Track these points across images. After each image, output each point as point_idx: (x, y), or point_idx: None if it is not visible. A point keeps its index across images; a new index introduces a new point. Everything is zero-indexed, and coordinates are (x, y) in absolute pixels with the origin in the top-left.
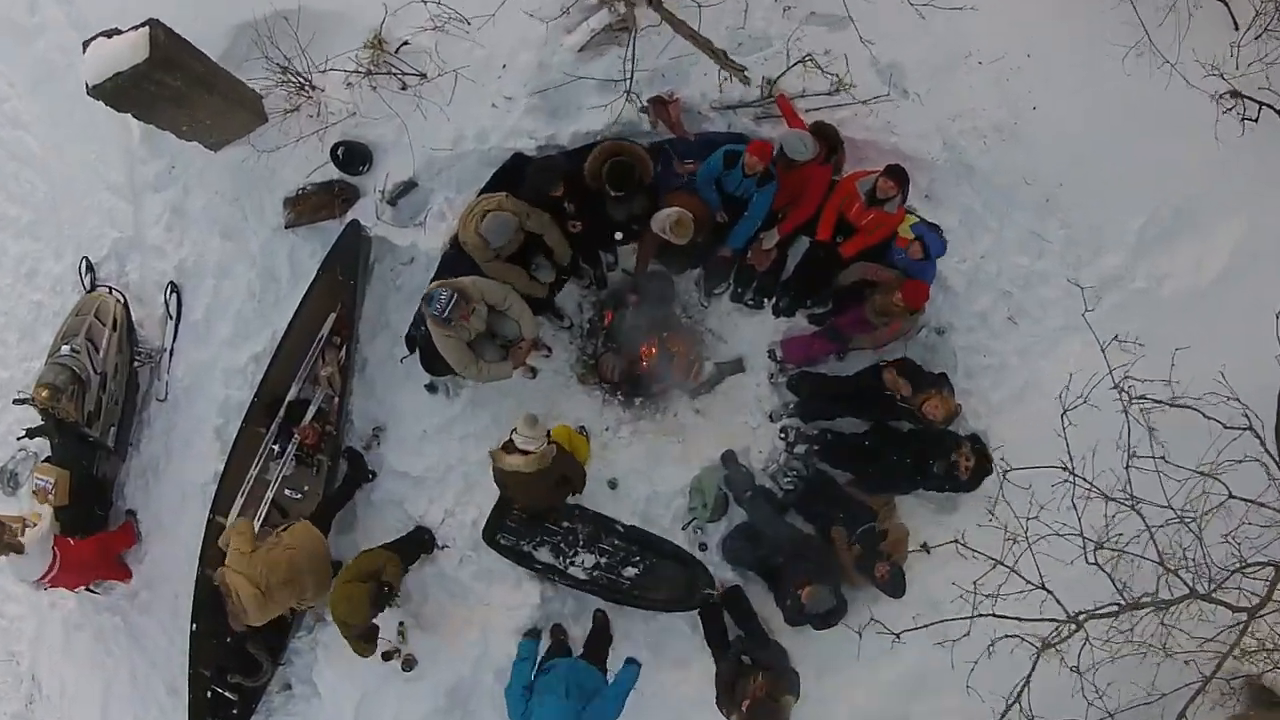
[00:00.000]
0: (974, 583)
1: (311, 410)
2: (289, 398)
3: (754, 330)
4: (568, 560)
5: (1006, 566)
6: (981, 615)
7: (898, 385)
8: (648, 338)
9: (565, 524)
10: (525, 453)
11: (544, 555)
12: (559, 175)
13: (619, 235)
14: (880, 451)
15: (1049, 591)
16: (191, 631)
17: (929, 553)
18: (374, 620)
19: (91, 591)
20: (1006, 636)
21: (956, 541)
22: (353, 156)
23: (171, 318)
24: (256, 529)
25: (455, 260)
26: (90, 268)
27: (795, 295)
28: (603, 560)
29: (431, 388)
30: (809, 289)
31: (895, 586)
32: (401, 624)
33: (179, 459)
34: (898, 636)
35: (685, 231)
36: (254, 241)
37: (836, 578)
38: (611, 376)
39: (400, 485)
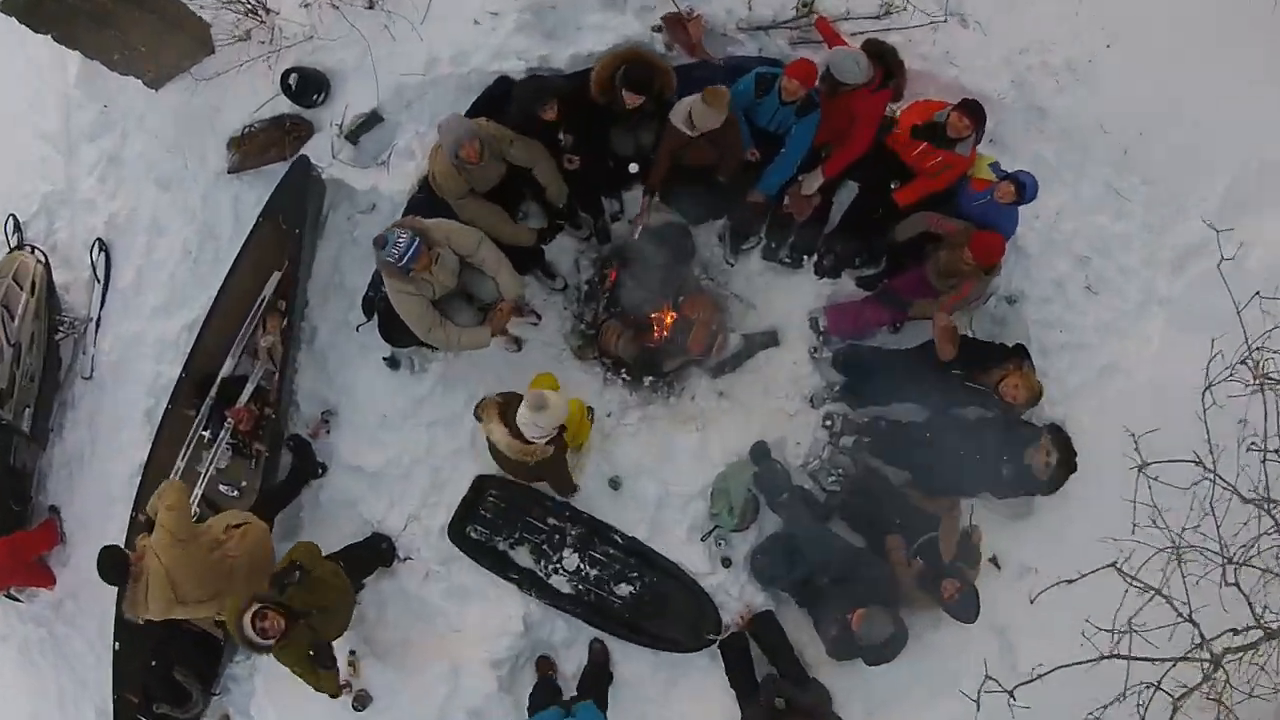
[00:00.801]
0: (1087, 619)
1: (248, 389)
2: (223, 374)
3: (791, 295)
4: (551, 566)
5: (1165, 597)
6: (1113, 657)
7: (944, 346)
8: (660, 303)
9: (551, 521)
10: (526, 441)
11: (523, 557)
12: (552, 92)
13: (633, 166)
14: (944, 444)
15: (1195, 624)
16: (115, 651)
17: (999, 568)
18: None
19: (13, 599)
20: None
21: (1115, 568)
22: (307, 85)
23: (99, 281)
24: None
25: (425, 206)
26: (18, 226)
27: (841, 252)
28: (593, 571)
29: (392, 362)
30: (858, 244)
31: (967, 608)
32: (353, 653)
33: (106, 447)
34: (1012, 695)
35: (718, 104)
36: (194, 191)
37: (895, 601)
38: (615, 350)
39: (354, 483)
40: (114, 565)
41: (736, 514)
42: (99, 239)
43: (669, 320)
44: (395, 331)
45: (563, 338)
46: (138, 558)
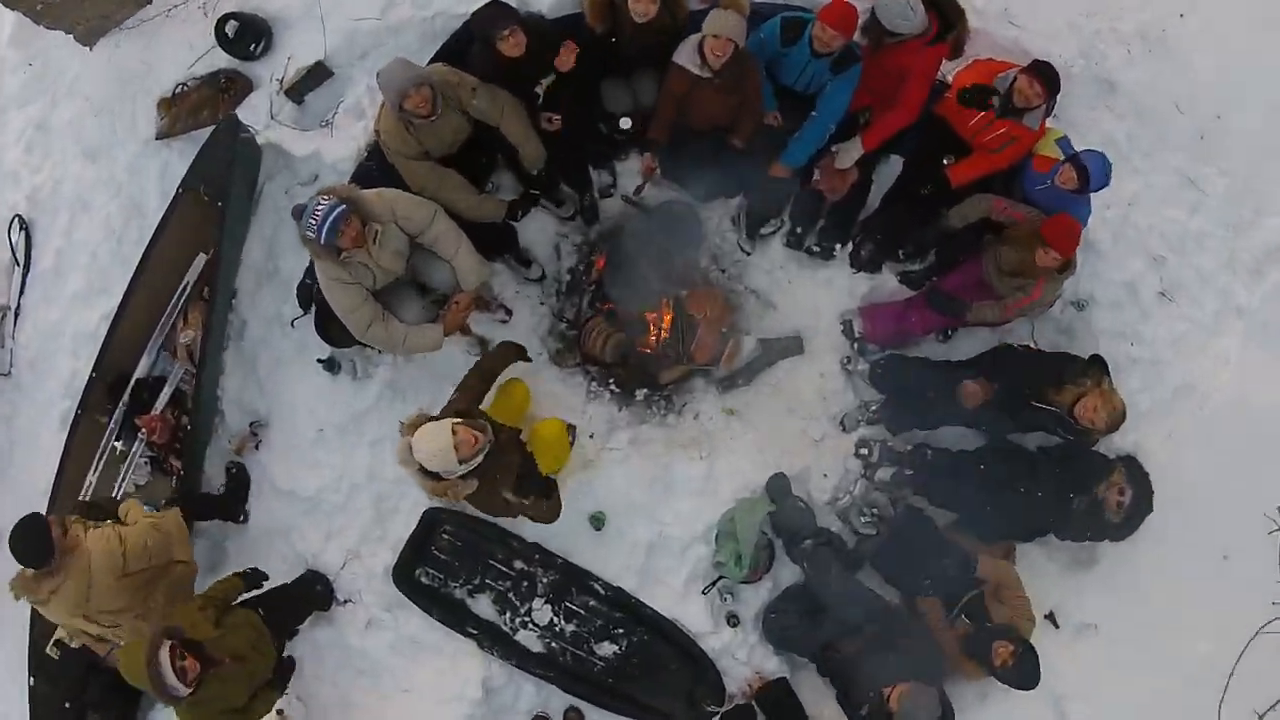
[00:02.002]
0: None
1: (165, 393)
2: (137, 374)
3: (819, 292)
4: (518, 619)
5: None
6: None
7: (978, 393)
8: (658, 298)
9: (519, 564)
10: (438, 476)
11: (484, 608)
12: (516, 19)
13: (625, 121)
14: (1000, 478)
15: None
16: (30, 688)
17: (1056, 626)
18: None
19: None
20: None
21: None
22: (245, 33)
23: (19, 264)
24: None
25: (377, 176)
26: None
27: (882, 241)
28: (569, 626)
29: (330, 365)
30: (903, 232)
31: (1025, 673)
32: (280, 712)
33: (24, 454)
34: None
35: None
36: (121, 161)
37: (940, 672)
38: (601, 355)
39: (286, 509)
40: (33, 542)
41: (746, 562)
42: (18, 216)
43: (668, 320)
44: (334, 328)
45: (538, 339)
46: (68, 546)
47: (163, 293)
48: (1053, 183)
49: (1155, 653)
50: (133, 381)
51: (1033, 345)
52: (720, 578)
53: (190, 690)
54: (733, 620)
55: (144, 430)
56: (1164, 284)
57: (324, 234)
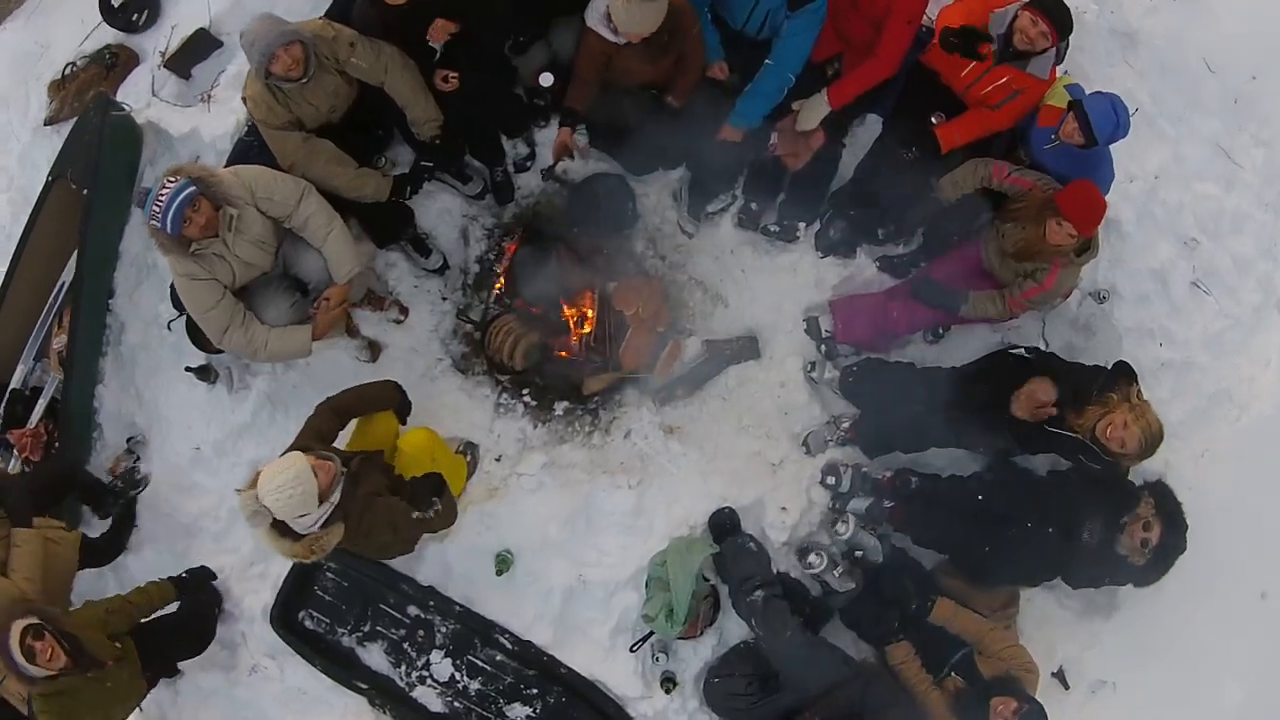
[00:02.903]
0: None
1: (41, 404)
2: (12, 384)
3: (780, 282)
4: (415, 673)
5: None
6: None
7: (1036, 404)
8: (579, 291)
9: (414, 611)
10: (294, 535)
11: (376, 659)
12: None
13: (546, 77)
14: (1003, 512)
15: None
16: None
17: (1067, 686)
18: None
19: None
20: None
21: None
22: (129, 2)
23: None
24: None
25: (257, 153)
26: None
27: (856, 218)
28: (473, 684)
29: (204, 373)
30: (881, 208)
31: None
32: None
33: None
34: None
35: None
36: (14, 150)
37: None
38: (510, 360)
39: (167, 535)
40: None
41: (680, 617)
42: None
43: (591, 317)
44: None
45: (439, 342)
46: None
47: (37, 294)
48: (1058, 137)
49: (1181, 711)
50: (8, 392)
51: (1044, 347)
52: (651, 633)
53: (42, 678)
54: (668, 684)
55: (16, 445)
56: (1197, 273)
57: (170, 221)
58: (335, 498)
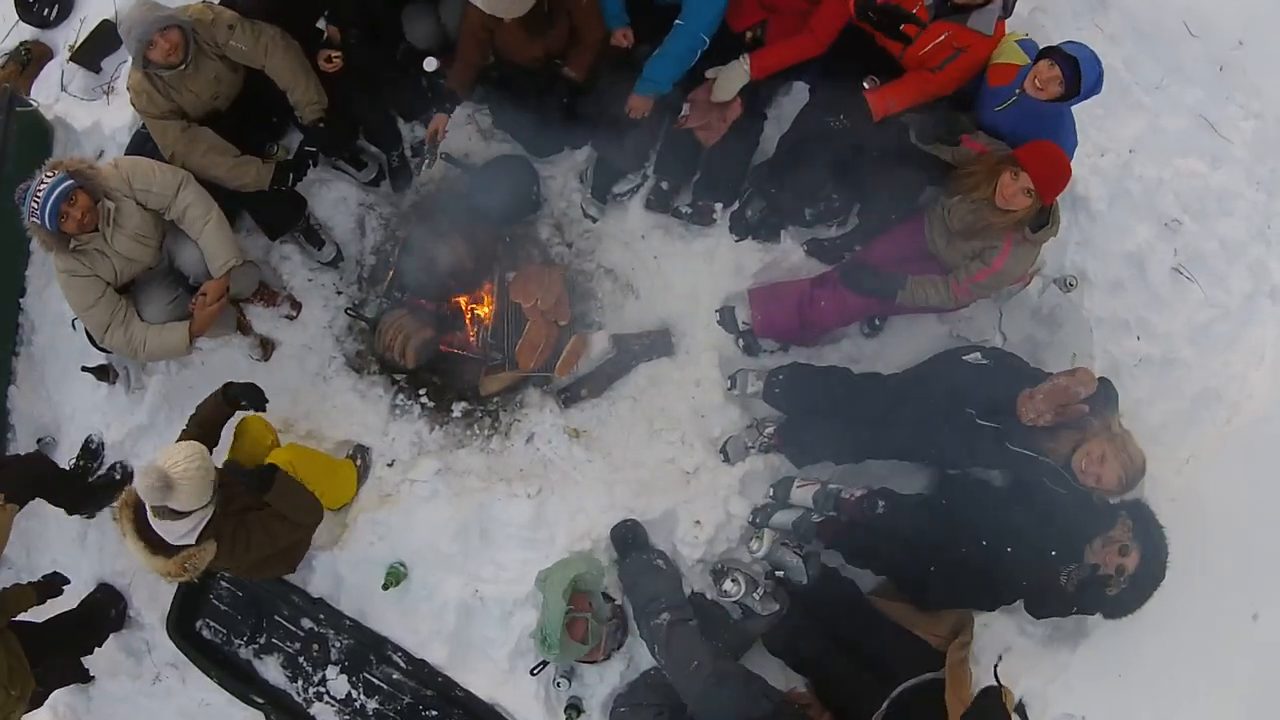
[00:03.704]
0: None
1: None
2: None
3: (696, 269)
4: (311, 689)
5: None
6: None
7: (1065, 400)
8: (476, 281)
9: (307, 624)
10: (167, 550)
11: (272, 672)
12: None
13: (430, 62)
14: (954, 528)
15: None
16: None
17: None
18: None
19: None
20: None
21: None
22: None
23: None
24: None
25: (150, 145)
26: None
27: (780, 197)
28: (370, 703)
29: (102, 372)
30: (809, 184)
31: None
32: None
33: None
34: None
35: None
36: None
37: None
38: (400, 358)
39: (67, 543)
40: None
41: (553, 641)
42: None
43: (487, 310)
44: None
45: (333, 338)
46: None
47: None
48: (1021, 93)
49: None
50: None
51: (1001, 341)
52: (547, 659)
53: None
54: (573, 711)
55: None
56: (1179, 257)
57: (47, 216)
58: (210, 508)
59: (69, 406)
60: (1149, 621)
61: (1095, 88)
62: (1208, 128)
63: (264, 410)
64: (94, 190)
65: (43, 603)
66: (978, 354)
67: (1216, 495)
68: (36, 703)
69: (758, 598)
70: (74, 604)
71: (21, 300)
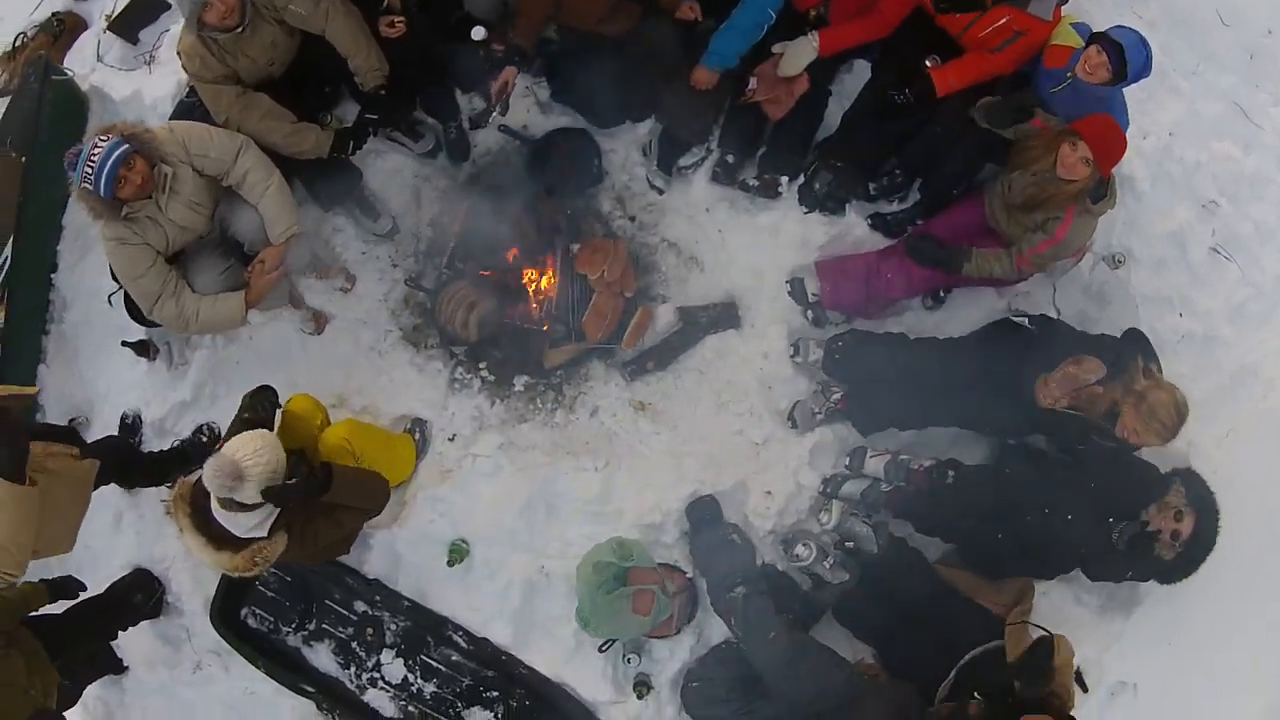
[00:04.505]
0: None
1: None
2: None
3: (761, 242)
4: (365, 675)
5: None
6: None
7: (1075, 386)
8: (539, 252)
9: (361, 607)
10: (236, 544)
11: (323, 659)
12: None
13: (478, 32)
14: (1018, 497)
15: None
16: None
17: (1085, 689)
18: None
19: None
20: None
21: None
22: None
23: None
24: None
25: (200, 113)
26: None
27: (846, 171)
28: (428, 686)
29: (141, 348)
30: (872, 160)
31: None
32: None
33: None
34: None
35: None
36: None
37: None
38: (463, 331)
39: (103, 525)
40: None
41: (596, 628)
42: None
43: (551, 283)
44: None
45: (388, 312)
46: None
47: None
48: (1073, 76)
49: (1208, 716)
50: None
51: (1055, 315)
52: (608, 640)
53: None
54: (642, 688)
55: None
56: (1217, 237)
57: (104, 184)
58: (259, 553)
59: (103, 384)
60: (1196, 591)
61: (1143, 71)
62: (1240, 114)
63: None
64: (151, 155)
65: (54, 602)
66: (1025, 318)
67: (1258, 469)
68: (69, 701)
69: (828, 566)
70: (103, 588)
71: (53, 276)
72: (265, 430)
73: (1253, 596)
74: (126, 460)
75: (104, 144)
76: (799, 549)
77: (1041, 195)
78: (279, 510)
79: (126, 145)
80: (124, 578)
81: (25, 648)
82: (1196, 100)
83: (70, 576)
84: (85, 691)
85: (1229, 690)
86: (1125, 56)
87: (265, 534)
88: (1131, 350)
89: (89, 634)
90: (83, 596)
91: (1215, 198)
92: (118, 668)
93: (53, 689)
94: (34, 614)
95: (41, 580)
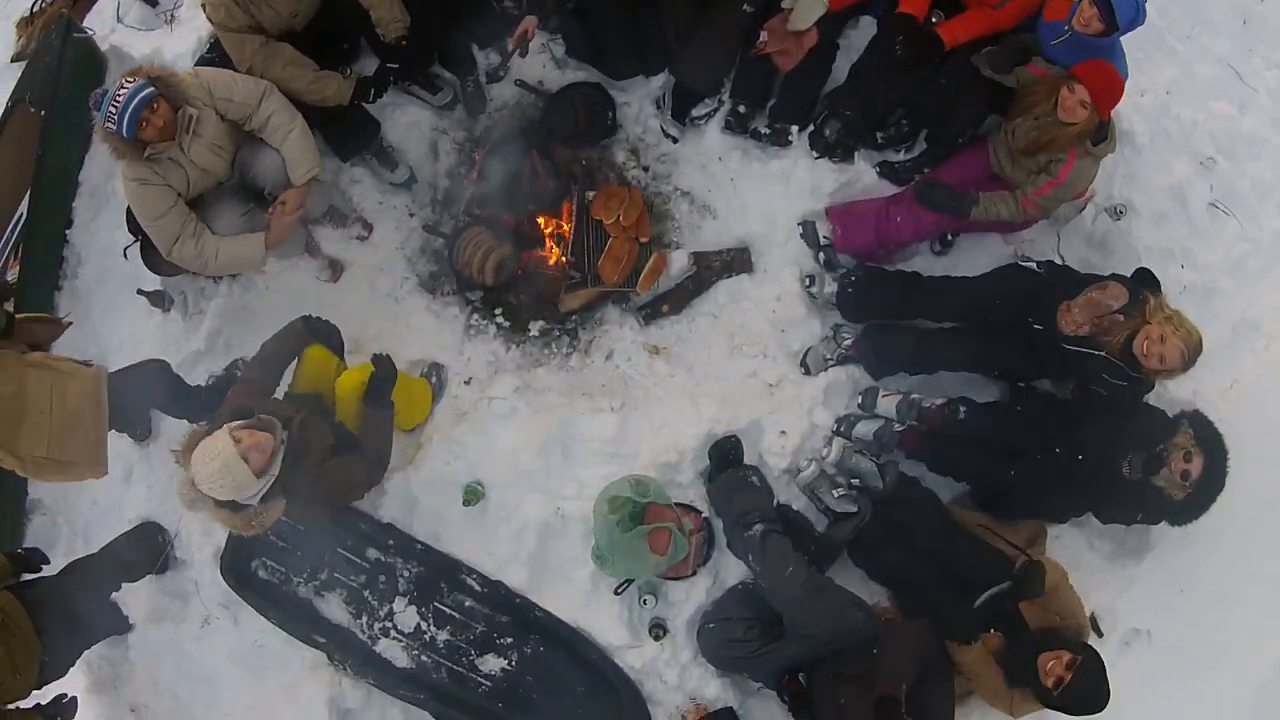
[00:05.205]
0: None
1: None
2: None
3: (772, 189)
4: (377, 624)
5: None
6: None
7: (1099, 313)
8: (555, 199)
9: (373, 554)
10: (235, 505)
11: (334, 610)
12: None
13: None
14: (1030, 437)
15: None
16: None
17: (1100, 634)
18: None
19: None
20: None
21: None
22: None
23: None
24: None
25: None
26: None
27: (854, 120)
28: (441, 634)
29: (156, 298)
30: (877, 108)
31: (1085, 693)
32: None
33: None
34: None
35: None
36: None
37: (939, 706)
38: (480, 275)
39: (113, 477)
40: None
41: (612, 560)
42: None
43: (568, 227)
44: (159, 252)
45: (405, 260)
46: None
47: None
48: (1071, 27)
49: (1221, 662)
50: None
51: (1059, 262)
52: (625, 580)
53: None
54: (658, 630)
55: None
56: (1215, 193)
57: (126, 124)
58: (275, 470)
59: (116, 338)
60: (1204, 539)
61: (1135, 21)
62: (1235, 77)
63: (342, 353)
64: (175, 98)
65: (18, 577)
66: (1033, 263)
67: (1260, 419)
68: (52, 674)
69: (835, 496)
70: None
71: (68, 232)
72: (223, 441)
73: (1262, 546)
74: (166, 390)
75: (129, 85)
76: (803, 465)
77: (1044, 138)
78: (275, 480)
79: (151, 88)
80: (122, 535)
81: (9, 626)
82: (1192, 62)
83: (35, 548)
84: (89, 652)
85: (1241, 641)
86: (1117, 14)
87: (258, 502)
88: (1144, 288)
89: (84, 595)
90: (82, 553)
91: (1213, 154)
92: (123, 626)
93: (34, 665)
94: (26, 579)
95: (4, 554)
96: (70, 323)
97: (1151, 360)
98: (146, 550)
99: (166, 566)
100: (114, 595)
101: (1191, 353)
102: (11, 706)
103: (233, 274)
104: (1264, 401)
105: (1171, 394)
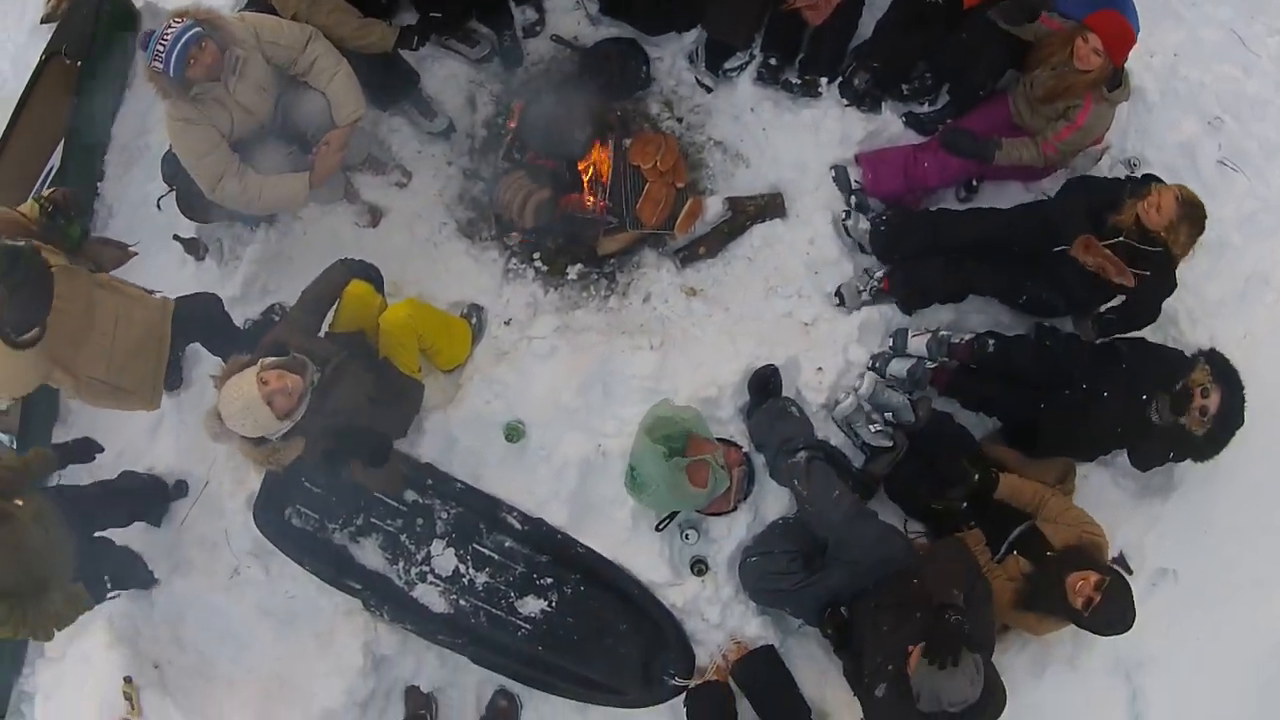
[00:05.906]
0: None
1: None
2: None
3: (803, 138)
4: (414, 569)
5: None
6: None
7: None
8: (593, 148)
9: (412, 497)
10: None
11: (370, 556)
12: None
13: None
14: (1060, 373)
15: None
16: None
17: (1130, 571)
18: None
19: None
20: None
21: None
22: None
23: None
24: None
25: None
26: None
27: (881, 71)
28: (479, 576)
29: (191, 245)
30: (902, 61)
31: (1114, 614)
32: (129, 680)
33: None
34: None
35: None
36: (9, 51)
37: (989, 635)
38: (520, 218)
39: (140, 426)
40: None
41: (650, 489)
42: None
43: (606, 172)
44: (197, 199)
45: (443, 207)
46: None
47: (23, 181)
48: None
49: (1247, 602)
50: None
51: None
52: (675, 512)
53: None
54: (699, 567)
55: None
56: (1223, 151)
57: (173, 63)
58: (299, 415)
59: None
60: (1226, 481)
61: None
62: (1239, 42)
63: (382, 290)
64: (222, 40)
65: (64, 467)
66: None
67: (1273, 370)
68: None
69: (872, 430)
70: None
71: (100, 185)
72: (248, 382)
73: (1277, 492)
74: (213, 322)
75: (177, 25)
76: (841, 396)
77: (1061, 86)
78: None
79: (198, 28)
80: (121, 482)
81: (34, 509)
82: (1197, 27)
83: (87, 438)
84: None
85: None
86: None
87: (280, 438)
88: (1155, 179)
89: (115, 509)
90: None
91: (1220, 114)
92: (146, 580)
93: (55, 546)
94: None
95: (52, 444)
96: (136, 252)
97: (1151, 213)
98: (136, 506)
99: (159, 523)
100: (138, 549)
101: (1191, 204)
102: None
103: (270, 217)
104: (1277, 352)
105: (1188, 338)
